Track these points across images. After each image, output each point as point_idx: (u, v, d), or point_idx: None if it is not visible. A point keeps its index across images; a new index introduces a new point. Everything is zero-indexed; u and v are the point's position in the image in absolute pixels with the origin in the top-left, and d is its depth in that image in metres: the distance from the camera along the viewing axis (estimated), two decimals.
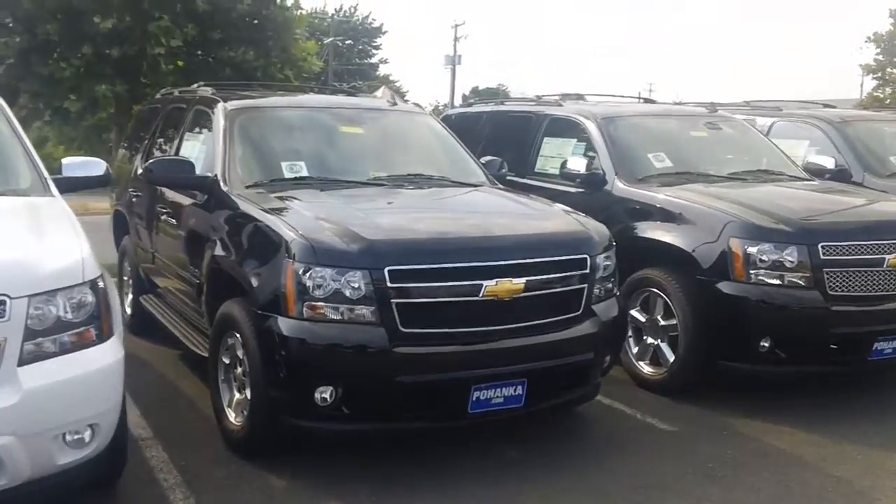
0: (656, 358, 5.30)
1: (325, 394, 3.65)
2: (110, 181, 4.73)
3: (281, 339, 3.65)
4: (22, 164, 4.04)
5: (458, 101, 45.25)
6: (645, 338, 5.36)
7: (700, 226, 5.11)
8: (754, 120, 7.61)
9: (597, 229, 4.45)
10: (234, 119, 5.02)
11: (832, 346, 4.95)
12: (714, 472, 4.10)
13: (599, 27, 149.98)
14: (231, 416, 4.15)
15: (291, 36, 10.54)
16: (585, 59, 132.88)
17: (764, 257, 4.80)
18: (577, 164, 5.98)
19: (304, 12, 11.43)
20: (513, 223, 4.48)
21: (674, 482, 3.96)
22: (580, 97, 7.41)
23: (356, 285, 3.64)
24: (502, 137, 7.29)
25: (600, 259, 4.26)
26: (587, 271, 4.15)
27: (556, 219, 4.61)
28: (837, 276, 4.81)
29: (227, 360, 4.20)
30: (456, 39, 50.58)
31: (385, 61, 60.16)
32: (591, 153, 6.20)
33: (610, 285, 4.38)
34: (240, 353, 3.99)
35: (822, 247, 4.81)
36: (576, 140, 6.50)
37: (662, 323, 5.22)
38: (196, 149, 5.36)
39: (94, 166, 4.31)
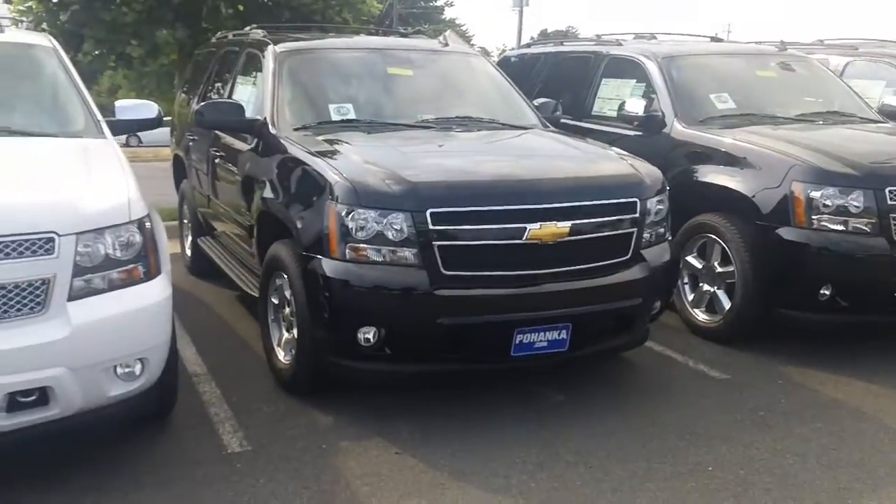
0: (712, 305, 5.18)
1: (367, 335, 3.69)
2: (162, 123, 4.81)
3: (324, 280, 3.69)
4: (76, 107, 4.13)
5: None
6: (701, 285, 5.24)
7: (761, 169, 4.92)
8: (827, 60, 7.22)
9: (649, 172, 4.31)
10: (284, 62, 5.01)
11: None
12: (765, 420, 4.01)
13: None
14: (280, 354, 4.25)
15: None
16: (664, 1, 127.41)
17: (827, 202, 4.61)
18: (636, 106, 5.79)
19: None
20: (559, 166, 4.38)
21: (721, 429, 3.89)
22: (652, 37, 7.13)
23: (398, 227, 3.64)
24: (560, 79, 7.12)
25: (651, 203, 4.14)
26: (637, 215, 4.04)
27: (606, 162, 4.48)
28: None
29: (275, 301, 4.28)
30: None
31: (451, 4, 59.31)
32: (650, 94, 6.00)
33: (662, 230, 4.26)
34: (287, 293, 4.06)
35: (890, 191, 4.58)
36: (635, 81, 6.29)
37: (719, 270, 5.09)
38: (247, 92, 5.40)
39: (147, 109, 4.42)
